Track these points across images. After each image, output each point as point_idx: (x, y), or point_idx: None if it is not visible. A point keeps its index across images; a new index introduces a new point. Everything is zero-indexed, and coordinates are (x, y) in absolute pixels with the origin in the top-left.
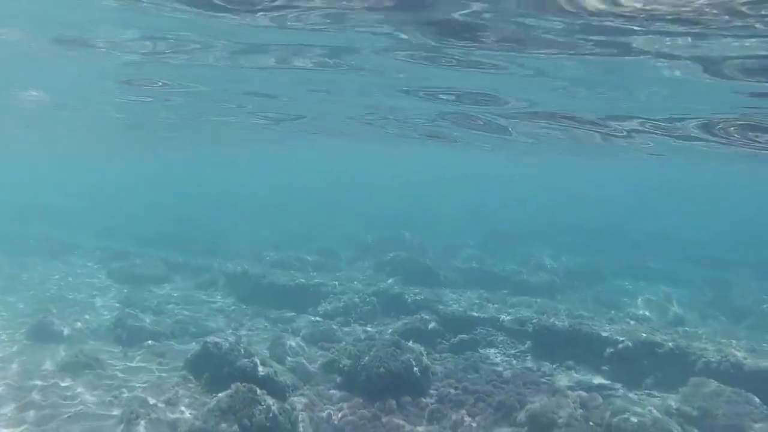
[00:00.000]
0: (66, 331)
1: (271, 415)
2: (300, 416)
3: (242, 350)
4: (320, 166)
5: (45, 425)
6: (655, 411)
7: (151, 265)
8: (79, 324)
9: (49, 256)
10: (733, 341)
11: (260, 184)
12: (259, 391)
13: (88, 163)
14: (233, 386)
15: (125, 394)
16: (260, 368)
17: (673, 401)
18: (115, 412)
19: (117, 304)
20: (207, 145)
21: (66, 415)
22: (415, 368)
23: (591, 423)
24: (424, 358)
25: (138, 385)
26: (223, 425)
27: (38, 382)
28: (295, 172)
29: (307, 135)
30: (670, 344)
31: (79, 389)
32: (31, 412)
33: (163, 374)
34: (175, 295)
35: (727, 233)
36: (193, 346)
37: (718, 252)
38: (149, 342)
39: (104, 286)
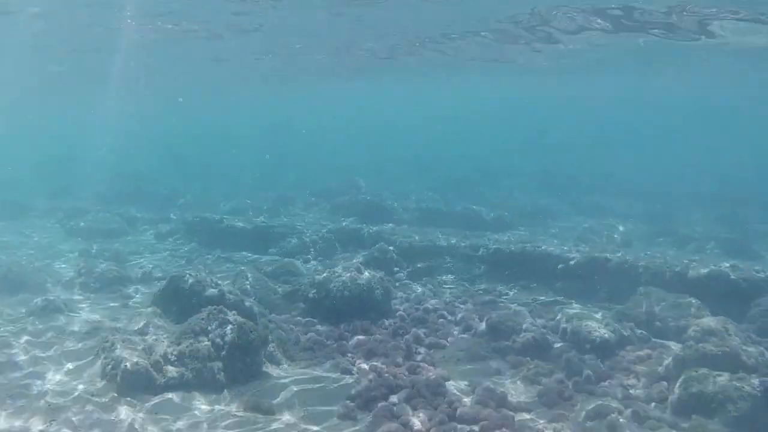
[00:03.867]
0: (32, 282)
1: (242, 333)
2: (270, 336)
3: (209, 281)
4: (266, 115)
5: (23, 362)
6: (604, 316)
7: (109, 220)
8: (43, 275)
9: (5, 217)
10: (678, 255)
11: (209, 137)
12: (229, 312)
13: (34, 122)
14: (204, 309)
15: (98, 330)
16: (228, 296)
17: (623, 309)
18: (91, 345)
19: (80, 257)
20: (154, 97)
21: (42, 352)
22: (377, 290)
23: (546, 328)
24: (385, 282)
25: (110, 322)
26: (197, 345)
27: (10, 327)
28: (241, 122)
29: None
30: (617, 259)
31: (52, 331)
32: (5, 352)
33: (133, 312)
34: (136, 245)
35: (668, 168)
36: (158, 287)
37: (661, 186)
38: (115, 287)
39: (65, 242)
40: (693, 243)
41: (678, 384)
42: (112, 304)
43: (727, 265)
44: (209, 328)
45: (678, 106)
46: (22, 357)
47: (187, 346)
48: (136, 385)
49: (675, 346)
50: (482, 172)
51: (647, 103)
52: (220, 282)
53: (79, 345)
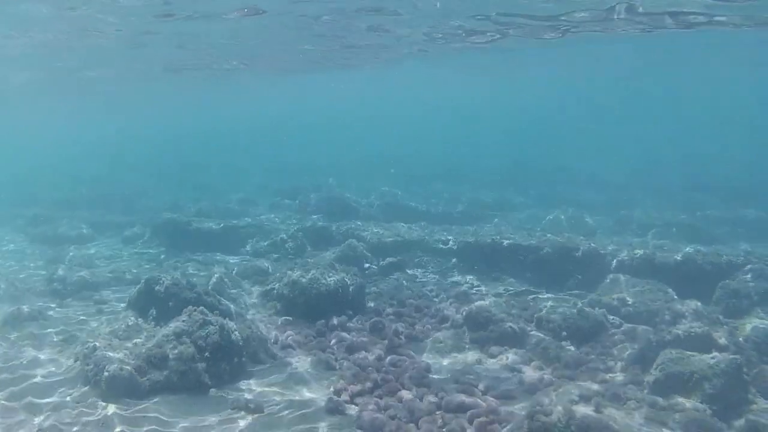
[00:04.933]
0: (1, 291)
1: (224, 334)
2: (251, 336)
3: (185, 282)
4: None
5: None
6: (576, 303)
7: (73, 226)
8: (12, 284)
9: None
10: (643, 242)
11: (165, 142)
12: (210, 313)
13: None
14: (185, 310)
15: (76, 336)
16: (206, 297)
17: (594, 296)
18: (70, 351)
19: (47, 264)
20: (106, 106)
21: (20, 362)
22: (351, 287)
23: (521, 317)
24: (358, 278)
25: (87, 328)
26: (180, 347)
27: None
28: (191, 127)
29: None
30: (586, 248)
31: (27, 339)
32: None
33: (109, 317)
34: (103, 250)
35: (627, 158)
36: (133, 291)
37: (620, 176)
38: (87, 293)
39: (29, 249)
40: (655, 230)
41: (655, 365)
42: (86, 310)
43: (692, 250)
44: (191, 329)
45: (643, 95)
46: (3, 371)
47: (170, 349)
48: (120, 389)
49: (647, 330)
50: (447, 166)
51: (609, 94)
52: (195, 283)
53: (58, 352)
